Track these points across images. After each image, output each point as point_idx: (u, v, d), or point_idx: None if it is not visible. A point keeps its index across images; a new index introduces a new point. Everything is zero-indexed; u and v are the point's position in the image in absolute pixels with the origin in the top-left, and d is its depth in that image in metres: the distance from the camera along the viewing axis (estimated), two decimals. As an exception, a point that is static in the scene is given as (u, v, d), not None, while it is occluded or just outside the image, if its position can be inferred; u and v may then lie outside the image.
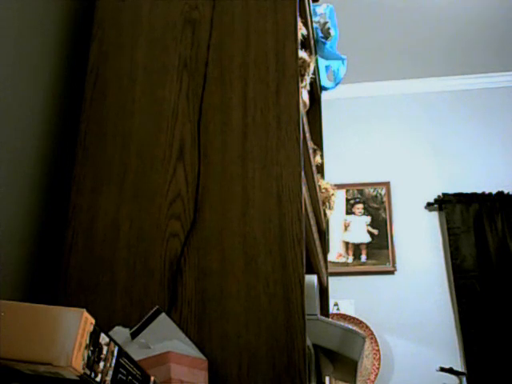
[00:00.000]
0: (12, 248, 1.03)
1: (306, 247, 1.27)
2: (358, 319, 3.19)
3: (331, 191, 1.85)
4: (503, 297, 3.08)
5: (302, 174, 1.07)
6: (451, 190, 3.43)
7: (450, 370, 2.98)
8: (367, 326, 3.16)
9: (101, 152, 1.14)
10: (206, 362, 0.92)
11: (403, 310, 3.20)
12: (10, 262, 1.02)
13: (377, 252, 3.40)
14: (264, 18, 1.20)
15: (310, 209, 1.41)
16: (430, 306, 3.19)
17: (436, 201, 3.44)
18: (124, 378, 0.59)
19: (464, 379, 2.98)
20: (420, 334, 3.14)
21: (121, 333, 0.92)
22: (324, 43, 1.94)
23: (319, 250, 1.65)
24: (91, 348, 0.52)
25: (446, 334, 3.12)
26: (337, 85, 2.14)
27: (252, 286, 0.99)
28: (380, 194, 3.55)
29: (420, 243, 3.38)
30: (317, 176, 1.65)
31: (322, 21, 1.93)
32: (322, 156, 2.00)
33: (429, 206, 3.46)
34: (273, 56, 1.16)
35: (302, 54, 1.35)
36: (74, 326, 0.50)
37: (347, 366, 1.31)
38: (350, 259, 3.42)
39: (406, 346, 3.13)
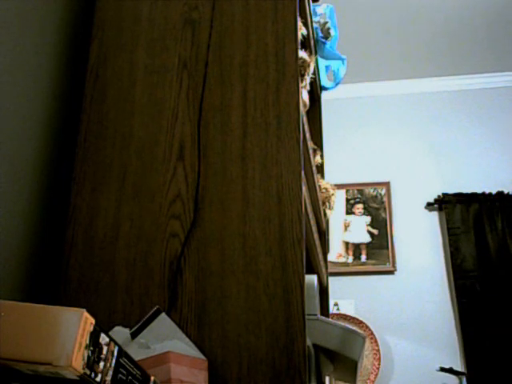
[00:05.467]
0: (12, 248, 1.03)
1: (306, 247, 1.27)
2: (358, 319, 3.19)
3: (331, 191, 1.85)
4: (503, 297, 3.08)
5: (302, 173, 1.07)
6: (451, 190, 3.43)
7: (450, 370, 2.99)
8: (367, 326, 3.16)
9: (101, 152, 1.14)
10: (205, 362, 0.92)
11: (403, 310, 3.20)
12: (10, 262, 1.02)
13: (377, 252, 3.40)
14: (264, 18, 1.20)
15: (310, 209, 1.41)
16: (430, 306, 3.19)
17: (436, 201, 3.44)
18: (124, 377, 0.59)
19: (464, 379, 2.98)
20: (420, 333, 3.14)
21: (121, 333, 0.92)
22: (324, 43, 1.94)
23: (319, 249, 1.65)
24: (91, 348, 0.52)
25: (446, 334, 3.12)
26: (337, 85, 2.14)
27: (252, 286, 0.99)
28: (380, 194, 3.55)
29: (420, 243, 3.38)
30: (317, 176, 1.65)
31: (322, 21, 1.93)
32: (322, 156, 2.00)
33: (429, 205, 3.46)
34: (273, 56, 1.16)
35: (302, 53, 1.35)
36: (74, 326, 0.50)
37: (347, 366, 1.31)
38: (350, 259, 3.42)
39: (406, 346, 3.13)
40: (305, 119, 1.35)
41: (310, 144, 1.53)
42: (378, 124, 3.73)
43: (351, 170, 3.62)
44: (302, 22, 1.57)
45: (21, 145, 1.09)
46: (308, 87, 1.60)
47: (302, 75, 1.37)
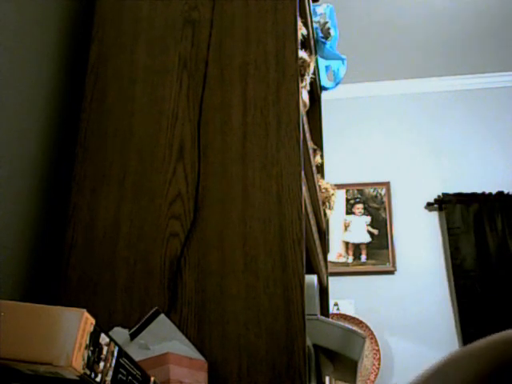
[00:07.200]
0: (12, 248, 1.03)
1: (306, 247, 1.27)
2: (358, 319, 3.19)
3: (331, 191, 1.85)
4: (503, 297, 3.08)
5: (302, 174, 1.07)
6: (451, 190, 3.43)
7: (450, 370, 2.98)
8: (367, 326, 3.16)
9: (101, 152, 1.14)
10: (205, 363, 0.92)
11: (403, 310, 3.20)
12: (10, 262, 1.02)
13: (377, 252, 3.40)
14: (264, 18, 1.20)
15: (310, 209, 1.41)
16: (429, 306, 3.19)
17: (436, 201, 3.44)
18: (124, 378, 0.59)
19: (464, 379, 2.97)
20: (420, 333, 3.14)
21: (120, 333, 0.92)
22: (324, 43, 1.94)
23: (319, 250, 1.65)
24: (91, 348, 0.51)
25: (446, 334, 3.12)
26: (337, 85, 2.14)
27: (252, 285, 0.99)
28: (380, 194, 3.55)
29: (420, 243, 3.38)
30: (317, 176, 1.65)
31: (322, 21, 1.93)
32: (322, 156, 2.01)
33: (429, 206, 3.46)
34: (273, 56, 1.16)
35: (302, 53, 1.35)
36: (74, 326, 0.50)
37: (347, 365, 1.31)
38: (350, 259, 3.42)
39: (406, 346, 3.13)
40: (305, 119, 1.35)
41: (310, 144, 1.52)
42: (378, 124, 3.73)
43: (351, 169, 3.62)
44: (302, 22, 1.57)
45: (21, 145, 1.09)
46: (308, 87, 1.60)
47: (302, 75, 1.37)
